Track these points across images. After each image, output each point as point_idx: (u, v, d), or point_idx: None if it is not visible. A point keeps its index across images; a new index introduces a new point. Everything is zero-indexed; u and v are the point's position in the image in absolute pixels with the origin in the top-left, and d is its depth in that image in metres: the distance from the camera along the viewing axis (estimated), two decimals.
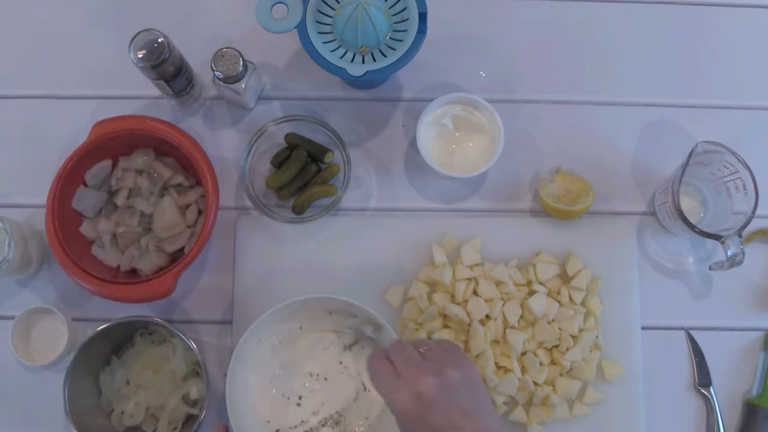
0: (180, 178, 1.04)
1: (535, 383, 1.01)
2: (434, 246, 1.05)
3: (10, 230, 0.96)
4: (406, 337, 1.01)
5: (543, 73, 1.12)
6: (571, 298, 1.03)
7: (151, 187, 1.04)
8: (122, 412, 1.00)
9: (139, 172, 1.05)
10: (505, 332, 1.01)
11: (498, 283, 1.02)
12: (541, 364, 1.00)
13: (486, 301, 1.01)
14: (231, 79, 1.00)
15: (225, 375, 1.03)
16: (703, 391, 1.05)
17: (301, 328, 1.02)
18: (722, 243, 0.97)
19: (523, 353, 1.01)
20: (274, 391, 1.01)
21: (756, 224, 1.07)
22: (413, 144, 1.06)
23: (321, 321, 1.01)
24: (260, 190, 1.07)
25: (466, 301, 1.02)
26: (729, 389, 1.05)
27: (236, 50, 1.00)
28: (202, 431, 0.99)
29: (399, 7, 0.99)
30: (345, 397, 1.01)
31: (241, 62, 0.99)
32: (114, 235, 1.03)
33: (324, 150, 1.06)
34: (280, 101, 1.11)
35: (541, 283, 1.03)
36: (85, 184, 1.03)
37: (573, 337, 1.01)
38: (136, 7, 1.12)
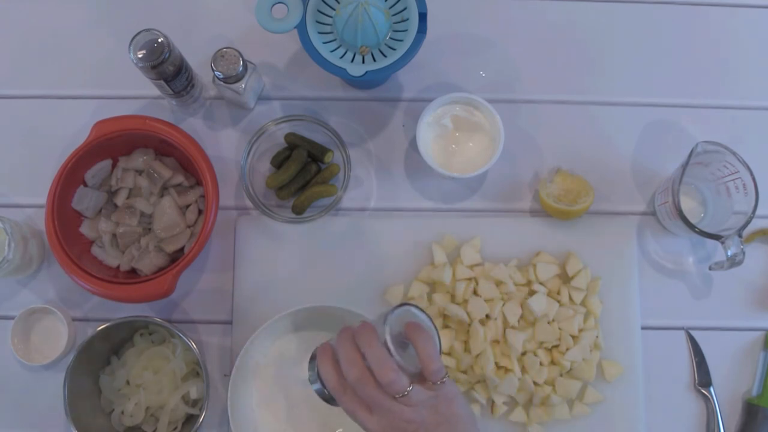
0: (180, 178, 1.04)
1: (535, 383, 1.01)
2: (434, 246, 1.05)
3: (10, 230, 0.96)
4: None
5: (543, 73, 1.12)
6: (571, 298, 1.03)
7: (151, 187, 1.04)
8: (122, 412, 1.00)
9: (139, 172, 1.05)
10: (505, 332, 1.01)
11: (498, 283, 1.02)
12: (541, 364, 1.00)
13: (486, 301, 1.01)
14: (231, 79, 1.00)
15: (225, 375, 1.03)
16: (703, 391, 1.04)
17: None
18: (722, 243, 0.97)
19: (523, 353, 1.01)
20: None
21: (756, 224, 1.07)
22: (413, 144, 1.06)
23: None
24: (260, 190, 1.07)
25: (466, 301, 1.02)
26: (729, 389, 1.05)
27: (236, 50, 0.99)
28: (202, 431, 0.99)
29: (399, 7, 0.99)
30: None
31: (241, 62, 0.99)
32: (114, 235, 1.03)
33: (324, 150, 1.06)
34: (280, 101, 1.11)
35: (541, 283, 1.03)
36: (85, 184, 1.03)
37: (573, 337, 1.01)
38: (136, 7, 1.12)
